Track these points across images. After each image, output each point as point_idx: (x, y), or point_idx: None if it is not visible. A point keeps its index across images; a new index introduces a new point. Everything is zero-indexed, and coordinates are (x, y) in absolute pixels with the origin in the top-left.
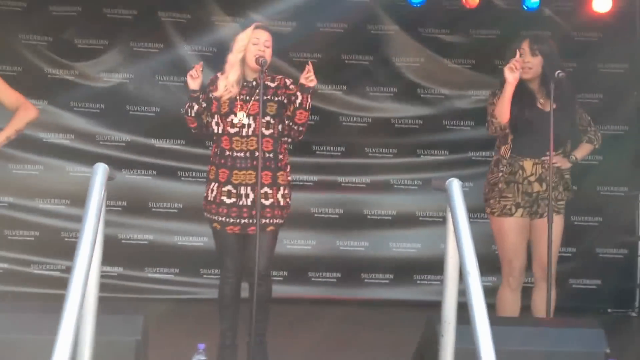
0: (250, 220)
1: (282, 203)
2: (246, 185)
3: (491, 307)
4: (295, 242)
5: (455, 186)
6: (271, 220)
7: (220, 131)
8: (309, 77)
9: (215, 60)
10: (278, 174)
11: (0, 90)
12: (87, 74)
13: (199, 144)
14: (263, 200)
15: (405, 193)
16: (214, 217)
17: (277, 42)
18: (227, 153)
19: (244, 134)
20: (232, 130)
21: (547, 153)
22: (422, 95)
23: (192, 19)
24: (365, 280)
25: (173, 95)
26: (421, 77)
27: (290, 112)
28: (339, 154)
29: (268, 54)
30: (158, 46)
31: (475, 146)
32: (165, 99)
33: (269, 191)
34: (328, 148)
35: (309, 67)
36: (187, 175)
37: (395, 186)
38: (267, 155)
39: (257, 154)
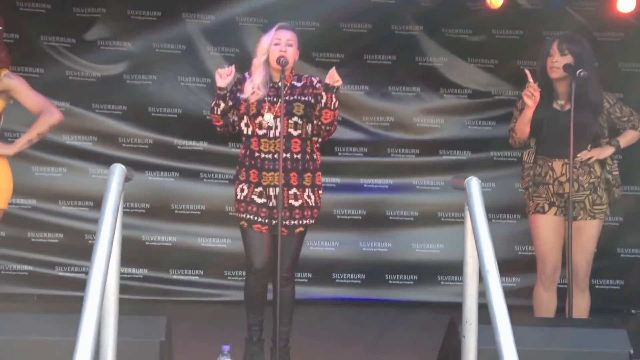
0: (282, 222)
1: (311, 203)
2: (274, 186)
3: (515, 309)
4: (319, 244)
5: (473, 184)
6: (300, 222)
7: (249, 132)
8: (333, 78)
9: (238, 62)
10: (306, 175)
11: (23, 96)
12: (110, 76)
13: (222, 146)
14: (292, 201)
15: (428, 193)
16: (242, 216)
17: (300, 42)
18: (257, 154)
19: (271, 135)
20: (260, 132)
21: (578, 155)
22: (444, 95)
23: (216, 20)
24: (390, 282)
25: (195, 96)
26: (444, 77)
27: (317, 111)
28: (361, 154)
29: (290, 52)
30: (181, 47)
31: (498, 146)
32: (187, 100)
33: (297, 192)
34: (350, 149)
35: (333, 70)
36: (209, 177)
37: (417, 187)
38: (295, 156)
39: (285, 155)
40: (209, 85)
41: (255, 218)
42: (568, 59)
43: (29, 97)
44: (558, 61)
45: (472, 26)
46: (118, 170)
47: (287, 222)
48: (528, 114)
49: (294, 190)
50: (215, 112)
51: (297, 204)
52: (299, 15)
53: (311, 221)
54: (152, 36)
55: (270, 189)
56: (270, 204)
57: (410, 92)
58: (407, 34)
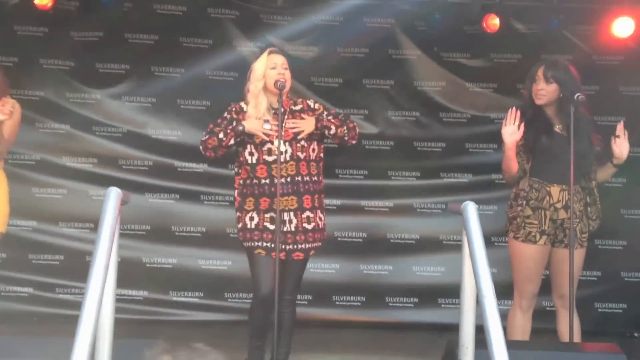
0: (295, 246)
1: (321, 225)
2: (288, 211)
3: None
4: (319, 266)
5: (470, 209)
6: (312, 245)
7: (254, 161)
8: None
9: (236, 85)
10: (316, 196)
11: (14, 122)
12: (109, 99)
13: (222, 168)
14: (305, 225)
15: (428, 216)
16: (257, 244)
17: (298, 67)
18: (264, 181)
19: (282, 159)
20: (269, 159)
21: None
22: (444, 119)
23: (214, 44)
24: (390, 304)
25: (195, 119)
26: (443, 101)
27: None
28: (362, 177)
29: (287, 76)
30: (179, 70)
31: (498, 169)
32: (187, 122)
33: (311, 215)
34: (351, 171)
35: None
36: (209, 199)
37: (418, 210)
38: (305, 178)
39: (297, 178)
40: (209, 108)
41: (272, 245)
42: (553, 87)
43: (16, 126)
44: (543, 89)
45: (470, 50)
46: (113, 194)
47: (302, 246)
48: (508, 154)
49: (307, 213)
50: (229, 144)
51: (310, 227)
52: (296, 37)
53: (320, 244)
54: (151, 59)
55: (284, 214)
56: (284, 229)
57: (409, 116)
58: (404, 58)
